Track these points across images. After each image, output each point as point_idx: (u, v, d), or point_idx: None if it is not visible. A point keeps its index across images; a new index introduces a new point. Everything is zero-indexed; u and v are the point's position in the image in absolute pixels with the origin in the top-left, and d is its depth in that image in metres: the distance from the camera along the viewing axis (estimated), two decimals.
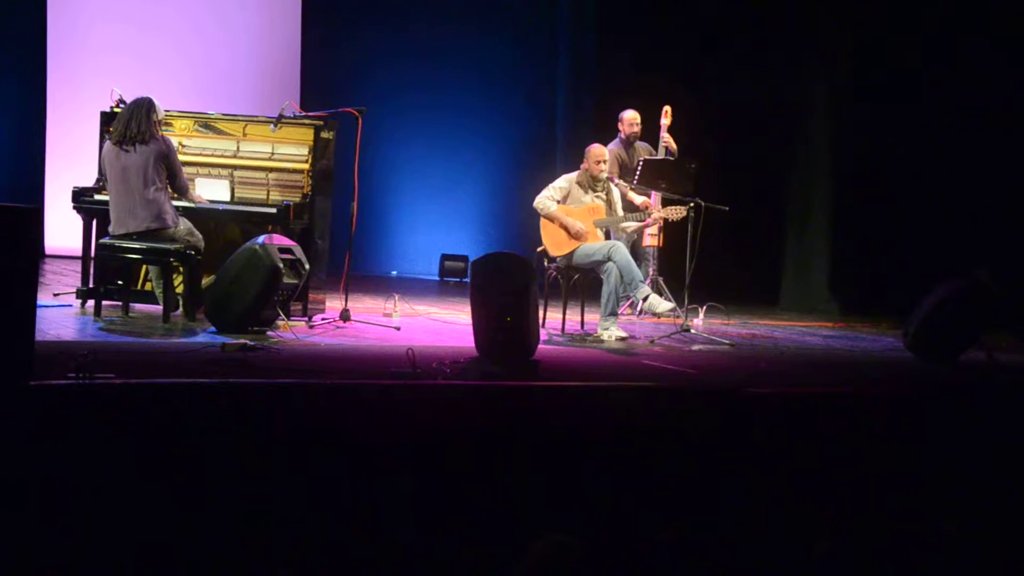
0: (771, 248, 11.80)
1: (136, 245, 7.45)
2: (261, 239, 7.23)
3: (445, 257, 12.81)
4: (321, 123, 8.11)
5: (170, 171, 7.54)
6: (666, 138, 9.77)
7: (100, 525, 4.38)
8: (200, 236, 7.65)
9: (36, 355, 4.87)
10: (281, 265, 7.16)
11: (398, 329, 7.81)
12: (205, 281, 7.61)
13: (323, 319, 7.94)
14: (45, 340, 6.09)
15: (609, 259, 7.96)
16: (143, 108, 7.51)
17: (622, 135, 9.70)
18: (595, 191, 8.41)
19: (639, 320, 9.18)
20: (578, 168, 8.49)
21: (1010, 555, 4.18)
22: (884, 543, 4.05)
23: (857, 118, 11.23)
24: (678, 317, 8.47)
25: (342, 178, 8.30)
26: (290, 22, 12.73)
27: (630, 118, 9.69)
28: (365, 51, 12.76)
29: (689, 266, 8.22)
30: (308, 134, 8.10)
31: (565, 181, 8.42)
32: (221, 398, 4.96)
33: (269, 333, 7.18)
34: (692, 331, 8.27)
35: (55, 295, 8.26)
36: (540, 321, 7.38)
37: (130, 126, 7.46)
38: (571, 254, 8.18)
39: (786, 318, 10.53)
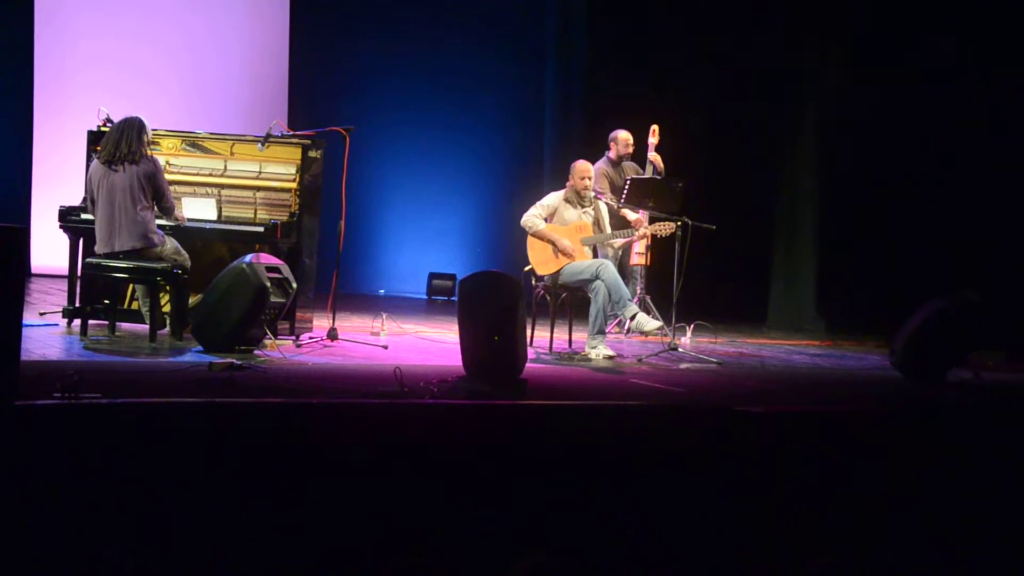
0: (758, 267, 11.83)
1: (123, 264, 7.42)
2: (248, 258, 7.22)
3: (433, 275, 12.83)
4: (308, 142, 8.11)
5: (156, 191, 7.51)
6: (653, 157, 9.78)
7: (87, 545, 4.35)
8: (187, 255, 7.64)
9: (21, 375, 4.84)
10: (268, 284, 7.16)
11: (385, 348, 7.80)
12: (192, 300, 7.59)
13: (311, 338, 7.93)
14: (31, 360, 6.07)
15: (597, 277, 7.97)
16: (134, 128, 7.49)
17: (611, 154, 9.70)
18: (582, 207, 8.41)
19: (627, 339, 9.19)
20: (565, 186, 8.50)
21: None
22: (872, 562, 4.05)
23: (844, 137, 11.28)
24: (666, 336, 8.47)
25: (330, 196, 8.30)
26: (278, 40, 12.76)
27: (624, 138, 9.68)
28: (353, 69, 12.81)
29: (677, 285, 8.23)
30: (295, 153, 8.10)
31: (552, 199, 8.42)
32: (208, 418, 4.94)
33: (256, 352, 7.17)
34: (680, 350, 8.28)
35: (41, 314, 8.24)
36: (528, 340, 7.38)
37: (120, 146, 7.43)
38: (558, 273, 8.18)
39: (773, 337, 10.55)
